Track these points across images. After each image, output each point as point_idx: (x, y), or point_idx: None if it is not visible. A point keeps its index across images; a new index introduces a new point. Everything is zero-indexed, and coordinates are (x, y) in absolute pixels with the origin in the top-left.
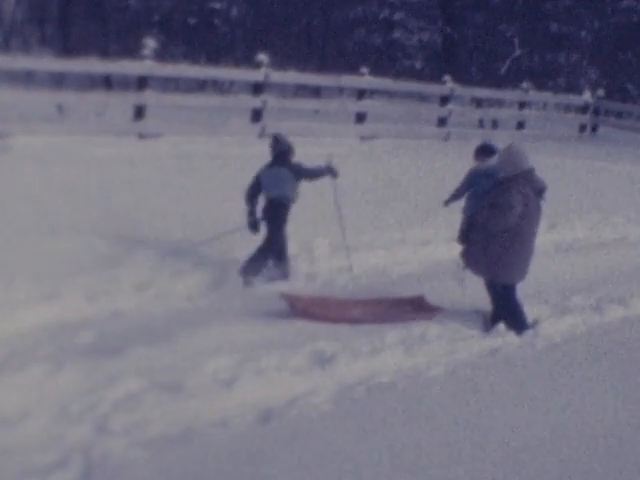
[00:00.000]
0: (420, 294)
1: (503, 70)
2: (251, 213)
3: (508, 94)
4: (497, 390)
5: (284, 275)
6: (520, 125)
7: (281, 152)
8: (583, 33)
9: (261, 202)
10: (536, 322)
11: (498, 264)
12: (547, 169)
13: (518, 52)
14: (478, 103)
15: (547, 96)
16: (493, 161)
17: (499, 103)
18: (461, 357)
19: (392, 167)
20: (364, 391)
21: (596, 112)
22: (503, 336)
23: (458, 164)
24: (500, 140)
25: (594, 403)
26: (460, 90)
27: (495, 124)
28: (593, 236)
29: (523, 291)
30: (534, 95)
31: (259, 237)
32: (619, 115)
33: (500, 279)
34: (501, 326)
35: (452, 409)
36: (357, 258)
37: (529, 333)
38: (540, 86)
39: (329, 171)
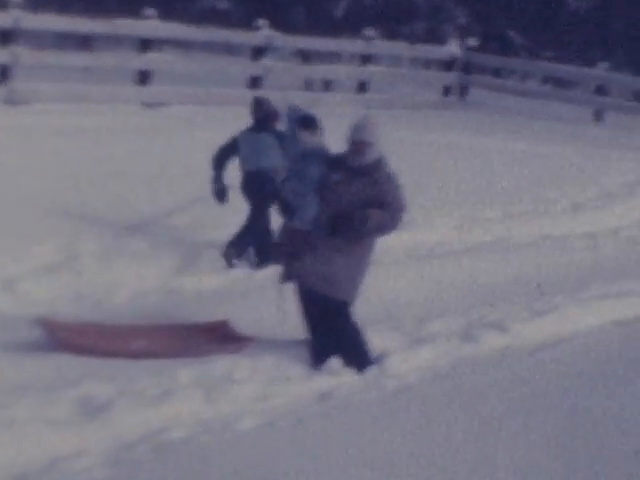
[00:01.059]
0: (224, 319)
1: (339, 12)
2: (217, 179)
3: (346, 45)
4: (329, 447)
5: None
6: (362, 86)
7: (265, 116)
8: None
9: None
10: (383, 356)
11: (344, 276)
12: (400, 146)
13: None
14: (305, 57)
15: (399, 47)
16: (318, 138)
17: (334, 57)
18: (280, 404)
19: (184, 145)
20: (149, 450)
21: (466, 69)
22: (338, 375)
23: None
24: (334, 106)
25: (460, 463)
26: (280, 39)
27: (328, 85)
28: (460, 237)
29: (366, 314)
30: (381, 46)
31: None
32: (497, 73)
33: (342, 295)
34: (335, 361)
35: (268, 474)
36: (134, 269)
37: (373, 370)
38: (391, 34)
39: None
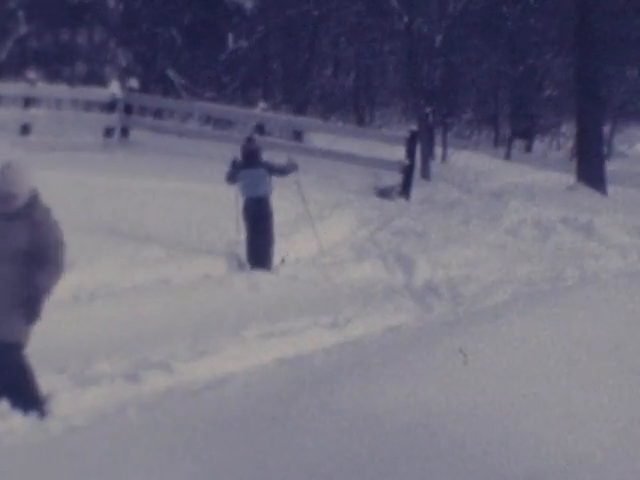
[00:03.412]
0: None
1: (2, 55)
2: (231, 177)
3: (9, 87)
4: None
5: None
6: (25, 129)
7: (254, 151)
8: (112, 2)
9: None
10: (49, 398)
11: (21, 318)
12: (62, 189)
13: (25, 29)
14: None
15: (61, 90)
16: None
17: None
18: None
19: None
20: None
21: (127, 110)
22: (6, 418)
23: None
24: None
25: None
26: None
27: None
28: (125, 278)
29: (31, 356)
30: (44, 88)
31: None
32: (158, 114)
33: (18, 337)
34: (2, 404)
35: None
36: None
37: (40, 412)
38: (52, 76)
39: (292, 167)
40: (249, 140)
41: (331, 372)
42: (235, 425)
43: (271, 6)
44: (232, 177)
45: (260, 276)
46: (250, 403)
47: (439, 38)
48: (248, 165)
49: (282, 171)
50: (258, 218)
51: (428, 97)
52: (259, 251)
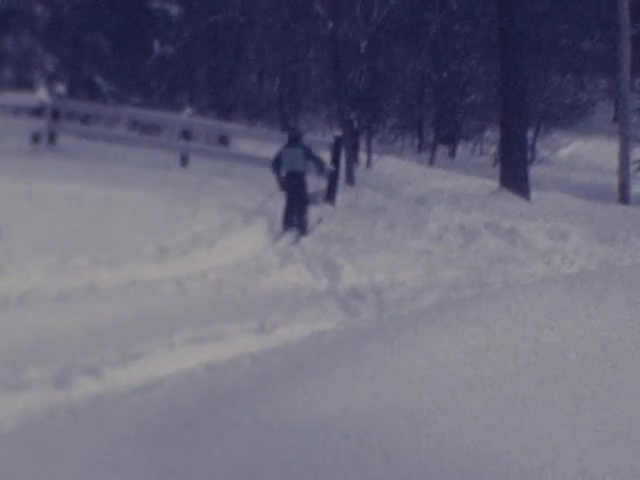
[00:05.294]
0: None
1: None
2: (279, 177)
3: None
4: None
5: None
6: None
7: (297, 136)
8: (40, 8)
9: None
10: None
11: None
12: None
13: None
14: None
15: None
16: None
17: None
18: None
19: None
20: None
21: (55, 116)
22: None
23: None
24: None
25: None
26: None
27: None
28: (53, 284)
29: None
30: None
31: None
32: (86, 119)
33: None
34: None
35: None
36: None
37: None
38: None
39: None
40: (293, 129)
41: (258, 378)
42: (161, 432)
43: (197, 12)
44: (276, 163)
45: (188, 281)
46: (176, 410)
47: (364, 44)
48: (289, 145)
49: (316, 160)
50: (295, 189)
51: (353, 103)
52: (294, 218)
